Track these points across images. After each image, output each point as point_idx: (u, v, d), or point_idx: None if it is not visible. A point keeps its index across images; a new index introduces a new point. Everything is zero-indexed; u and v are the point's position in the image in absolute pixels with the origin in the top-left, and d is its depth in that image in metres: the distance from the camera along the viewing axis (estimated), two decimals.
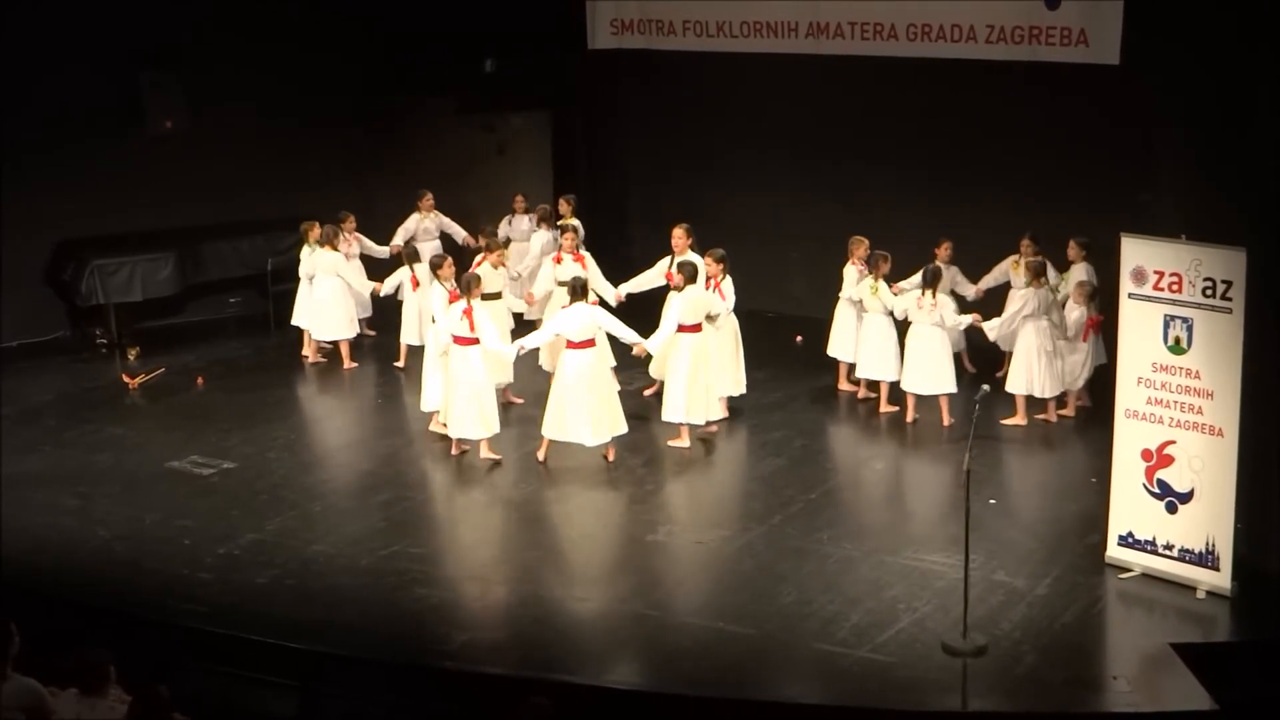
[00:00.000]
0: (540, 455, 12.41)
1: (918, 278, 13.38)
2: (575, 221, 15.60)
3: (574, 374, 12.12)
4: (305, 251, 15.62)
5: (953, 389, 13.19)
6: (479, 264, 13.95)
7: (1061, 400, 13.35)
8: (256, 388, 14.88)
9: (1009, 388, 13.17)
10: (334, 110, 17.50)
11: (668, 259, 13.39)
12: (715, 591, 10.12)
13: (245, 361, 15.87)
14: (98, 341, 16.27)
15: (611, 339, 12.64)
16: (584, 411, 12.09)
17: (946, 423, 13.17)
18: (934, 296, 13.11)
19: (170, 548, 10.81)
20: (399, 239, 16.18)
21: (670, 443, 12.73)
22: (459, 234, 16.61)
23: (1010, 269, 14.04)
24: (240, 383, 15.04)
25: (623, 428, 12.38)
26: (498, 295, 13.82)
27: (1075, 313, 13.16)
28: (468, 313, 12.20)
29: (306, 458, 13.06)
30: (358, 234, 16.06)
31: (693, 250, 13.26)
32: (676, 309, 12.65)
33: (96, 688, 7.27)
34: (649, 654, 9.26)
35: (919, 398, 13.31)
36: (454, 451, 12.60)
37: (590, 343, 12.19)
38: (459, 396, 12.35)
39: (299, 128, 17.10)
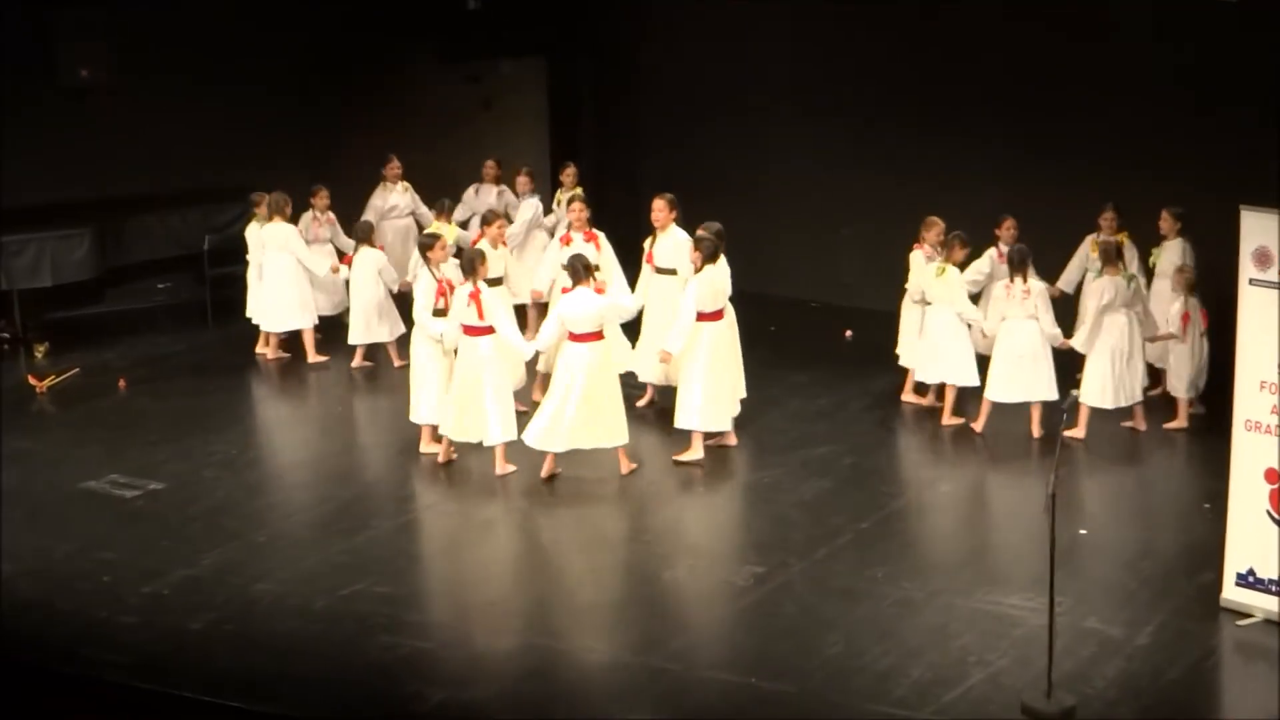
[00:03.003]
0: (544, 472, 12.44)
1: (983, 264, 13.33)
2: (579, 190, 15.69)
3: (574, 372, 12.12)
4: (252, 229, 15.60)
5: (974, 381, 13.35)
6: (476, 241, 14.02)
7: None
8: (191, 392, 14.92)
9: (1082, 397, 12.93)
10: (288, 58, 17.53)
11: (650, 239, 13.60)
12: (747, 641, 10.11)
13: (178, 360, 15.92)
14: None
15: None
16: (585, 414, 12.10)
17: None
18: (1025, 281, 12.93)
19: (87, 585, 10.81)
20: (369, 217, 16.09)
21: (677, 457, 12.72)
22: (426, 216, 16.36)
23: (1090, 251, 13.97)
24: (172, 386, 15.09)
25: (623, 438, 12.39)
26: (498, 281, 13.70)
27: (1174, 305, 13.06)
28: (474, 296, 12.29)
29: (251, 477, 13.06)
30: (331, 215, 16.04)
31: (678, 225, 13.25)
32: (693, 294, 12.64)
33: None
34: (668, 715, 9.21)
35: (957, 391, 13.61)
36: (442, 459, 12.63)
37: (597, 335, 12.21)
38: (474, 396, 12.39)
39: (245, 81, 17.14)
